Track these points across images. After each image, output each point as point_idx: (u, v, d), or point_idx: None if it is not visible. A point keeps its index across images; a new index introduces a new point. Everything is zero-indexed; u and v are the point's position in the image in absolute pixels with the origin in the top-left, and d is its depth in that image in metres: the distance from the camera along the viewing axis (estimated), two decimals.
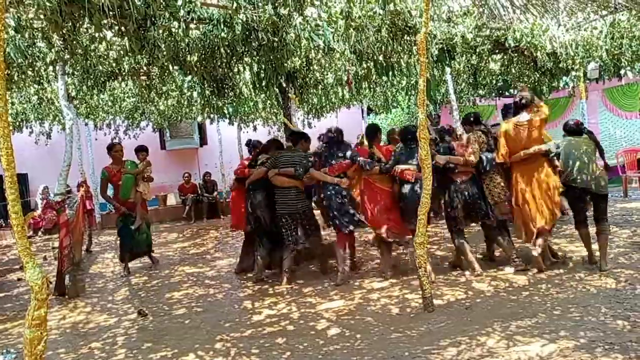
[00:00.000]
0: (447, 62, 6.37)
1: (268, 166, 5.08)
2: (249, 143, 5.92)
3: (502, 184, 4.67)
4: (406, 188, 4.65)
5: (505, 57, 7.53)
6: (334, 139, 4.98)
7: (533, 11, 4.29)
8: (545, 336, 3.07)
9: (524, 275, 4.45)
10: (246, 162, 5.58)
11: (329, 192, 4.83)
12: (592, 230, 4.49)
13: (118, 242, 6.23)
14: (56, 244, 6.20)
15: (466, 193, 4.63)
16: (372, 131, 5.40)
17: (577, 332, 3.08)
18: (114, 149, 6.09)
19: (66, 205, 5.38)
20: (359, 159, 4.78)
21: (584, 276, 4.27)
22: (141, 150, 6.29)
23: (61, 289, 5.11)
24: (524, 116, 4.47)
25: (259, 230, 5.22)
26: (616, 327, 3.12)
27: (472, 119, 5.07)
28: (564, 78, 8.38)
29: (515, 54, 7.05)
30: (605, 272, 4.29)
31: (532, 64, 7.35)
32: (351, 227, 4.82)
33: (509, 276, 4.49)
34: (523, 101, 4.51)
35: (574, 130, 4.59)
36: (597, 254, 4.48)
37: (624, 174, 9.40)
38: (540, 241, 4.40)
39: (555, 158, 4.52)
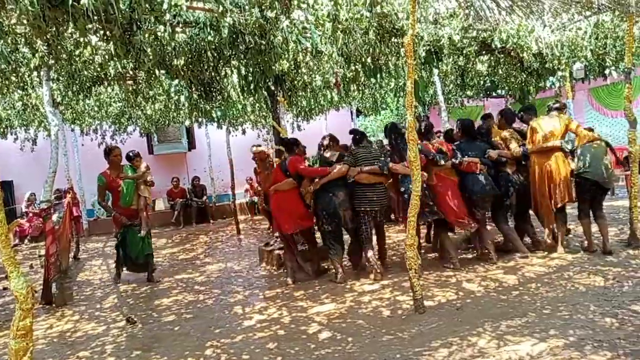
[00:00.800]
0: (434, 64, 6.42)
1: (349, 163, 4.98)
2: (287, 141, 5.56)
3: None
4: (470, 179, 5.00)
5: (492, 58, 7.61)
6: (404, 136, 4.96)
7: (519, 12, 4.32)
8: (536, 335, 3.08)
9: (514, 274, 4.48)
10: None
11: (410, 185, 4.74)
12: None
13: (116, 255, 5.80)
14: (42, 252, 6.10)
15: (518, 182, 5.16)
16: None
17: (566, 331, 3.10)
18: (112, 153, 5.63)
19: (52, 211, 5.29)
20: (432, 153, 4.92)
21: (573, 275, 4.30)
22: (135, 157, 5.84)
23: (48, 298, 5.03)
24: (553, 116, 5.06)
25: (335, 231, 5.03)
26: (604, 325, 3.14)
27: (507, 117, 5.62)
28: (551, 78, 8.49)
29: (502, 55, 7.13)
30: (610, 253, 4.78)
31: (518, 64, 7.44)
32: (429, 218, 5.00)
33: (498, 276, 4.51)
34: (556, 105, 5.15)
35: (589, 129, 5.17)
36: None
37: None
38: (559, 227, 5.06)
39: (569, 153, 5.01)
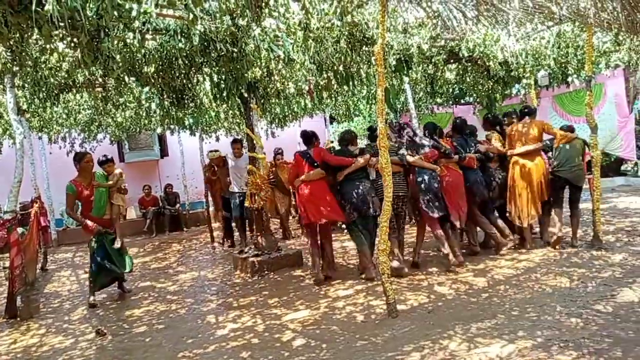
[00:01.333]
0: (404, 72, 6.53)
1: (371, 154, 5.12)
2: (306, 133, 5.53)
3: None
4: (470, 174, 5.44)
5: (459, 66, 7.79)
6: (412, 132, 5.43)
7: (484, 22, 4.46)
8: (505, 337, 3.16)
9: (484, 277, 4.58)
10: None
11: (426, 177, 5.10)
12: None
13: (89, 268, 5.27)
14: (7, 264, 5.90)
15: (500, 177, 5.68)
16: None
17: (534, 332, 3.19)
18: (84, 159, 5.22)
19: (16, 222, 5.11)
20: (444, 146, 5.33)
21: (540, 276, 4.43)
22: (107, 161, 5.50)
23: (12, 312, 4.86)
24: (526, 120, 5.57)
25: (361, 221, 5.08)
26: (570, 325, 3.25)
27: (490, 121, 6.17)
28: (516, 86, 8.74)
29: (469, 64, 7.31)
30: (576, 247, 5.28)
31: (485, 72, 7.64)
32: (440, 213, 5.10)
33: (469, 278, 4.61)
34: (527, 110, 5.67)
35: (570, 128, 5.64)
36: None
37: None
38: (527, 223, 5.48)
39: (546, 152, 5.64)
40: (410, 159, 5.14)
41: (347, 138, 5.41)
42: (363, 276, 5.07)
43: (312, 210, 5.06)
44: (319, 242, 5.29)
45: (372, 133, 5.59)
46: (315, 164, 5.15)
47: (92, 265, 5.23)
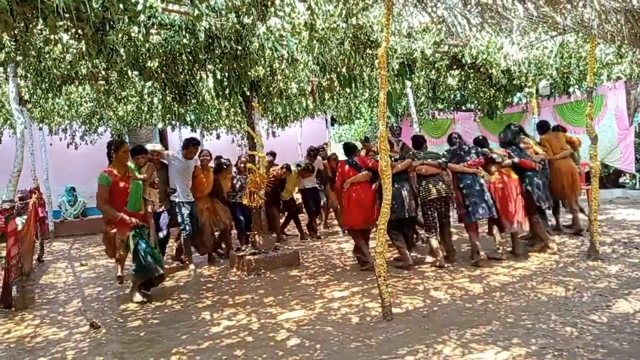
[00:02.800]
0: (407, 76, 6.55)
1: (412, 158, 5.59)
2: (349, 145, 5.98)
3: None
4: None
5: (462, 72, 7.81)
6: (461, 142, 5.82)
7: (488, 29, 4.47)
8: (499, 344, 3.16)
9: (480, 283, 4.59)
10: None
11: (469, 181, 5.46)
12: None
13: (135, 265, 4.80)
14: (3, 253, 5.88)
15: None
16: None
17: (528, 340, 3.19)
18: (122, 149, 4.77)
19: (14, 211, 5.09)
20: (490, 153, 5.70)
21: (536, 284, 4.44)
22: (141, 152, 5.11)
23: (7, 301, 4.85)
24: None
25: (399, 221, 5.41)
26: (565, 334, 3.25)
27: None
28: (518, 94, 8.76)
29: (472, 70, 7.33)
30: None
31: (487, 80, 7.65)
32: (481, 217, 5.42)
33: (464, 284, 4.61)
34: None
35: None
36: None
37: None
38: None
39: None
40: (452, 165, 5.57)
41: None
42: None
43: (355, 215, 5.55)
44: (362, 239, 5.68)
45: (417, 142, 5.98)
46: (362, 170, 5.59)
47: (138, 258, 4.74)
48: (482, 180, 5.50)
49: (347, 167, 5.70)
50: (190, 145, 6.31)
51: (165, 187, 6.01)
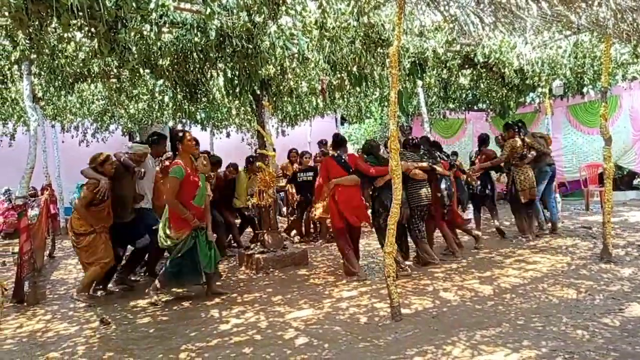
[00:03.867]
0: (418, 75, 6.51)
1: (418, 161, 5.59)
2: (340, 138, 5.69)
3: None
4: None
5: (474, 72, 7.74)
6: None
7: (501, 29, 4.42)
8: (509, 345, 3.13)
9: (490, 285, 4.55)
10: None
11: (449, 183, 5.79)
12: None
13: (168, 268, 4.58)
14: (16, 249, 5.96)
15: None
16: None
17: (539, 342, 3.16)
18: (186, 138, 4.44)
19: (30, 206, 5.15)
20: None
21: (547, 286, 4.39)
22: (197, 143, 4.75)
23: (19, 296, 4.91)
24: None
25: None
26: (576, 337, 3.21)
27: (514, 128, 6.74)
28: (531, 94, 8.66)
29: (484, 70, 7.26)
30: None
31: (500, 79, 7.58)
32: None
33: (474, 285, 4.58)
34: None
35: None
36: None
37: (586, 188, 9.76)
38: None
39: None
40: (439, 168, 5.68)
41: (374, 145, 5.58)
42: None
43: (349, 213, 5.19)
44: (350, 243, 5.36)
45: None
46: (350, 170, 5.24)
47: (179, 264, 4.52)
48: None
49: (335, 164, 5.25)
50: (161, 141, 5.73)
51: (128, 194, 5.22)
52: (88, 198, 4.80)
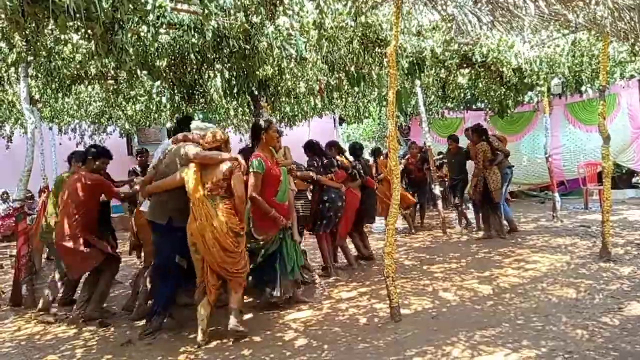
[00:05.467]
0: (417, 75, 6.50)
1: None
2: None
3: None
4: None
5: (472, 71, 7.73)
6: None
7: (499, 28, 4.41)
8: (509, 345, 3.12)
9: (489, 284, 4.55)
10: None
11: (333, 195, 5.25)
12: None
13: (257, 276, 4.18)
14: (14, 252, 5.94)
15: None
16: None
17: (538, 342, 3.15)
18: (271, 128, 4.08)
19: (26, 210, 5.13)
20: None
21: (546, 286, 4.38)
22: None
23: (17, 299, 4.90)
24: None
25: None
26: (575, 337, 3.20)
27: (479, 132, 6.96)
28: (529, 93, 8.66)
29: (482, 69, 7.25)
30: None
31: (498, 78, 7.58)
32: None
33: (474, 285, 4.57)
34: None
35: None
36: None
37: (585, 187, 9.76)
38: None
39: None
40: (320, 177, 5.18)
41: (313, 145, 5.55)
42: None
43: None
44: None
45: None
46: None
47: (268, 269, 4.12)
48: (343, 197, 5.35)
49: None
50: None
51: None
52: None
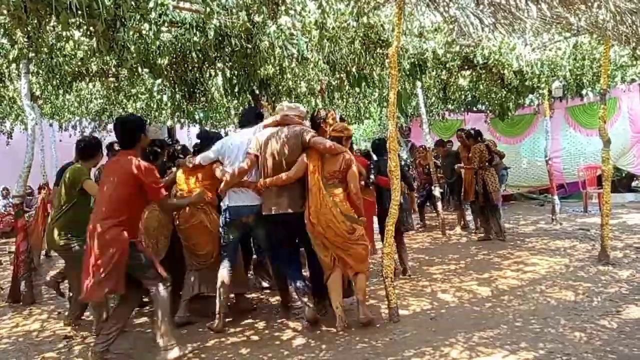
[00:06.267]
0: (418, 76, 6.50)
1: None
2: None
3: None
4: None
5: (473, 73, 7.73)
6: None
7: (501, 30, 4.42)
8: (507, 347, 3.13)
9: (488, 286, 4.55)
10: None
11: None
12: None
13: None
14: (13, 249, 5.94)
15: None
16: None
17: (536, 344, 3.15)
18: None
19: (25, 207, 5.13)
20: None
21: (545, 288, 4.38)
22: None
23: (15, 296, 4.90)
24: None
25: None
26: (574, 339, 3.20)
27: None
28: (530, 96, 8.66)
29: (484, 71, 7.25)
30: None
31: (499, 81, 7.57)
32: None
33: (473, 287, 4.57)
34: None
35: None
36: None
37: (585, 190, 9.76)
38: None
39: None
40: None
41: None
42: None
43: None
44: None
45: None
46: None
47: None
48: None
49: None
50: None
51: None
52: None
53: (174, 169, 4.41)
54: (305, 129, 3.77)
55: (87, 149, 4.06)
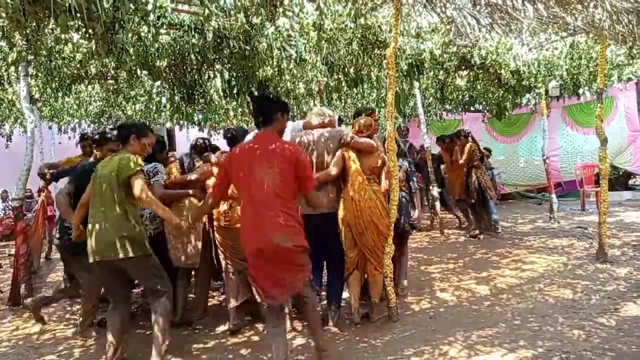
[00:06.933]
0: (415, 77, 6.52)
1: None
2: None
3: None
4: None
5: (471, 73, 7.76)
6: None
7: (498, 30, 4.44)
8: (505, 346, 3.15)
9: (487, 285, 4.57)
10: None
11: None
12: None
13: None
14: (12, 251, 5.94)
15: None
16: None
17: (535, 342, 3.17)
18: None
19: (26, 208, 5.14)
20: None
21: (543, 286, 4.41)
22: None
23: (15, 299, 4.90)
24: None
25: None
26: (572, 337, 3.23)
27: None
28: (527, 95, 8.69)
29: (481, 71, 7.28)
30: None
31: (496, 80, 7.61)
32: None
33: (471, 286, 4.59)
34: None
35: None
36: None
37: (582, 189, 9.79)
38: None
39: None
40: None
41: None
42: None
43: None
44: None
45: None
46: None
47: None
48: None
49: None
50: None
51: None
52: None
53: (200, 163, 4.29)
54: (344, 131, 3.87)
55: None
